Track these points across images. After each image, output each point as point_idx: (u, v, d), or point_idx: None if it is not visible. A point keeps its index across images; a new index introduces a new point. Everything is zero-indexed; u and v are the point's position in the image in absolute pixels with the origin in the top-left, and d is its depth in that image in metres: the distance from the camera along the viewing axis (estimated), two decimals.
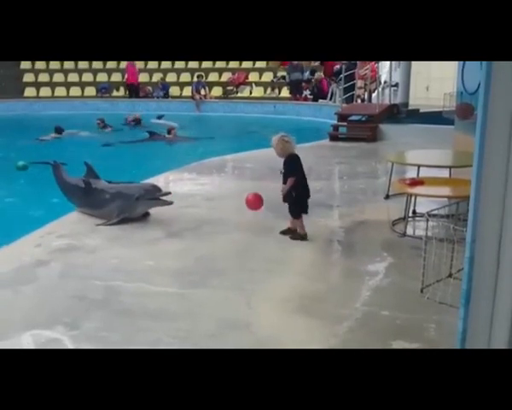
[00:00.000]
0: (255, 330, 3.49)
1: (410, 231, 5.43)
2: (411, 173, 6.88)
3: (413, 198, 5.61)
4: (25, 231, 5.46)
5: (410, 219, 5.63)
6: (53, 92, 20.82)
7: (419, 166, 6.08)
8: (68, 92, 20.78)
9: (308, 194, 5.29)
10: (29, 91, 20.80)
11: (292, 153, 5.20)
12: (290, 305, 3.83)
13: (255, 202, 5.38)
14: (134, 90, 19.81)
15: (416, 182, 5.39)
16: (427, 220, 3.76)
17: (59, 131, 13.44)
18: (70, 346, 3.32)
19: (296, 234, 5.20)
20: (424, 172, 6.39)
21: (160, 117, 15.31)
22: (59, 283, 4.26)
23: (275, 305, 3.84)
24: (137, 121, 15.55)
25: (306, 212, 5.28)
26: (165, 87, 20.10)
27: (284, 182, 5.18)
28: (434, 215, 3.98)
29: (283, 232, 5.27)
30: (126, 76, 19.78)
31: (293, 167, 5.15)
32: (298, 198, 5.17)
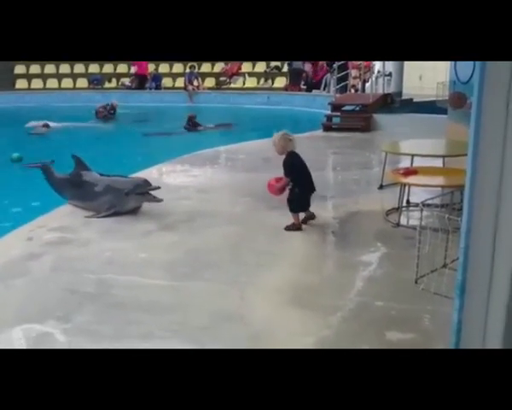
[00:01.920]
0: (249, 322, 3.47)
1: (403, 221, 5.41)
2: (405, 163, 6.87)
3: (407, 188, 5.60)
4: (16, 224, 5.41)
5: (403, 209, 5.62)
6: (45, 84, 20.64)
7: (412, 155, 6.06)
8: (60, 84, 20.60)
9: (312, 189, 5.25)
10: (20, 83, 20.62)
11: (291, 151, 5.17)
12: (284, 297, 3.81)
13: (277, 190, 5.24)
14: (143, 81, 19.60)
15: (409, 171, 5.37)
16: (422, 210, 3.73)
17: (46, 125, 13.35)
18: (62, 340, 3.28)
19: (291, 225, 5.18)
20: (418, 162, 6.38)
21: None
22: (50, 276, 4.21)
23: (268, 297, 3.82)
24: (113, 110, 15.41)
25: (306, 209, 5.24)
26: (157, 78, 19.95)
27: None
28: (429, 205, 3.94)
29: (303, 221, 5.22)
30: (136, 67, 19.56)
31: (291, 166, 5.12)
32: (300, 195, 5.14)
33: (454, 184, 5.00)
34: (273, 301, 3.76)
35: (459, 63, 8.64)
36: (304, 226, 5.26)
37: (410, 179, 5.23)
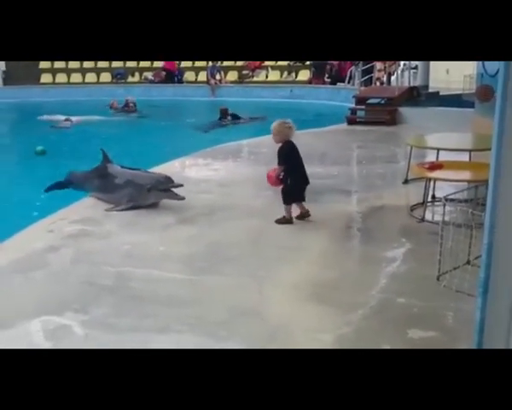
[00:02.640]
0: (266, 317, 3.41)
1: (428, 216, 5.28)
2: (430, 157, 6.70)
3: (432, 183, 5.46)
4: (38, 216, 5.46)
5: (428, 204, 5.48)
6: (69, 78, 20.86)
7: (438, 149, 5.91)
8: (84, 78, 20.80)
9: (306, 181, 5.17)
10: (45, 78, 20.86)
11: (288, 140, 5.09)
12: (302, 292, 3.74)
13: (276, 180, 5.20)
14: (171, 76, 19.65)
15: (435, 166, 5.23)
16: (444, 205, 3.60)
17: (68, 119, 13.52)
18: (79, 332, 3.28)
19: (282, 218, 5.10)
20: (443, 156, 6.22)
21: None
22: (70, 268, 4.23)
23: (287, 292, 3.75)
24: (128, 106, 15.52)
25: (300, 200, 5.16)
26: (179, 72, 19.98)
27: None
28: (452, 200, 3.80)
29: (298, 217, 5.16)
30: (164, 62, 19.59)
31: (286, 155, 5.06)
32: (292, 186, 5.07)
33: (481, 178, 4.84)
34: (292, 296, 3.70)
35: None
36: (324, 222, 5.18)
37: (436, 174, 5.09)
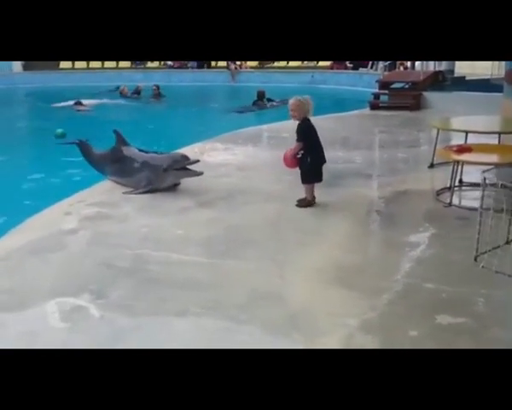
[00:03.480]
0: (288, 301, 3.29)
1: (456, 201, 5.08)
2: (456, 141, 6.47)
3: (459, 167, 5.25)
4: (56, 198, 5.41)
5: (456, 188, 5.28)
6: (88, 64, 20.90)
7: (466, 132, 5.68)
8: (103, 64, 20.81)
9: (323, 160, 5.01)
10: (64, 63, 20.93)
11: (305, 117, 4.93)
12: (325, 276, 3.61)
13: (292, 161, 5.05)
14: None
15: (463, 149, 5.02)
16: (485, 183, 3.34)
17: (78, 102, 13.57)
18: (96, 314, 3.20)
19: (303, 201, 4.96)
20: (471, 140, 5.99)
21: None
22: (87, 251, 4.15)
23: (308, 276, 3.62)
24: (138, 93, 15.61)
25: (320, 180, 5.01)
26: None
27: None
28: (492, 184, 3.55)
29: (301, 204, 5.00)
30: None
31: (304, 133, 4.91)
32: (312, 165, 4.91)
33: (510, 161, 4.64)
34: (314, 280, 3.57)
35: None
36: (347, 206, 5.02)
37: (464, 157, 4.88)
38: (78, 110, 12.90)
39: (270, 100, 13.38)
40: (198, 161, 5.40)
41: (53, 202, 5.26)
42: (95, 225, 4.64)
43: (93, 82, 17.91)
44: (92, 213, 4.92)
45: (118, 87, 16.48)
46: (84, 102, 13.63)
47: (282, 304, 3.25)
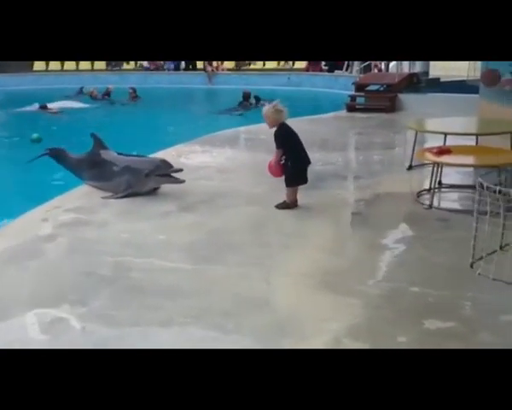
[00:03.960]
0: (275, 307, 3.25)
1: (435, 203, 5.11)
2: (433, 143, 6.52)
3: (439, 168, 5.28)
4: (32, 204, 5.26)
5: (436, 190, 5.31)
6: (62, 66, 20.54)
7: (445, 134, 5.73)
8: (78, 66, 20.47)
9: (307, 161, 5.00)
10: (38, 65, 20.53)
11: (282, 122, 4.92)
12: (311, 281, 3.57)
13: (276, 169, 5.02)
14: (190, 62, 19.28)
15: (443, 151, 5.05)
16: (481, 187, 3.26)
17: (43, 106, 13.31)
18: (77, 326, 3.10)
19: (283, 203, 4.93)
20: (449, 142, 6.04)
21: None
22: (66, 258, 4.04)
23: (295, 281, 3.59)
24: (108, 94, 15.40)
25: (304, 182, 4.99)
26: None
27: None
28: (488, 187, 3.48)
29: (281, 206, 4.97)
30: None
31: (282, 138, 4.90)
32: (293, 168, 4.89)
33: (492, 163, 4.69)
34: (300, 285, 3.53)
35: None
36: (328, 208, 5.01)
37: (445, 159, 4.91)
38: (49, 113, 12.62)
39: (258, 99, 13.25)
40: (181, 169, 5.31)
41: (28, 209, 5.10)
42: (73, 231, 4.52)
43: (67, 84, 17.57)
44: (70, 219, 4.79)
45: (81, 89, 16.13)
46: (50, 105, 13.34)
47: (269, 311, 3.20)
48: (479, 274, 3.33)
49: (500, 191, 2.84)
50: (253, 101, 13.26)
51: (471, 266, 3.47)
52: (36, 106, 13.29)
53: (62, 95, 15.04)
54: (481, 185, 3.05)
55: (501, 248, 3.42)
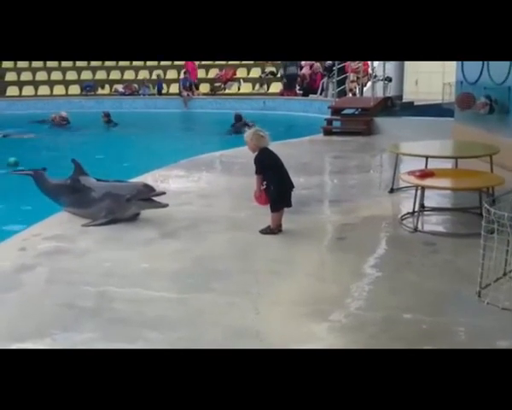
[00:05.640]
0: (265, 338, 3.15)
1: (420, 226, 5.10)
2: (411, 166, 6.55)
3: (421, 191, 5.30)
4: (9, 233, 5.08)
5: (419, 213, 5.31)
6: (36, 91, 20.24)
7: (427, 157, 5.77)
8: (52, 91, 20.20)
9: (290, 185, 4.94)
10: (11, 90, 20.21)
11: (263, 148, 4.89)
12: (301, 309, 3.49)
13: (261, 197, 4.95)
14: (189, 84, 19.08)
15: (426, 174, 5.08)
16: (488, 211, 3.15)
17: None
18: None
19: (267, 228, 4.87)
20: (422, 163, 6.06)
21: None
22: (46, 289, 3.88)
23: (285, 310, 3.50)
24: (67, 121, 15.01)
25: (288, 205, 4.93)
26: (160, 84, 19.62)
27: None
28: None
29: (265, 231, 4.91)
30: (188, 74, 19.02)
31: (261, 163, 4.85)
32: (275, 193, 4.83)
33: (475, 186, 4.74)
34: (290, 314, 3.45)
35: (466, 64, 8.42)
36: (313, 233, 4.96)
37: (429, 182, 4.93)
38: (17, 137, 12.39)
39: (246, 124, 13.22)
40: (164, 193, 5.21)
41: (5, 237, 4.91)
42: (53, 260, 4.35)
43: (41, 109, 17.29)
44: (49, 247, 4.62)
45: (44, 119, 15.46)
46: (11, 131, 13.07)
47: (260, 342, 3.11)
48: (487, 303, 3.26)
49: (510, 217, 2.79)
50: (245, 122, 13.19)
51: (478, 295, 3.36)
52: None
53: (25, 121, 14.71)
54: (488, 211, 3.01)
55: (504, 274, 3.39)
